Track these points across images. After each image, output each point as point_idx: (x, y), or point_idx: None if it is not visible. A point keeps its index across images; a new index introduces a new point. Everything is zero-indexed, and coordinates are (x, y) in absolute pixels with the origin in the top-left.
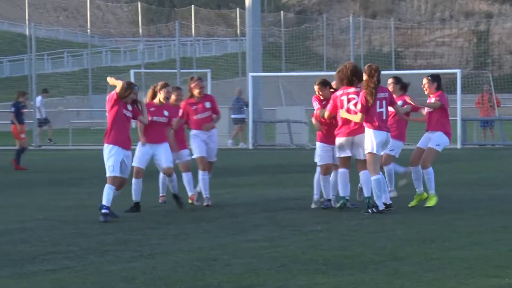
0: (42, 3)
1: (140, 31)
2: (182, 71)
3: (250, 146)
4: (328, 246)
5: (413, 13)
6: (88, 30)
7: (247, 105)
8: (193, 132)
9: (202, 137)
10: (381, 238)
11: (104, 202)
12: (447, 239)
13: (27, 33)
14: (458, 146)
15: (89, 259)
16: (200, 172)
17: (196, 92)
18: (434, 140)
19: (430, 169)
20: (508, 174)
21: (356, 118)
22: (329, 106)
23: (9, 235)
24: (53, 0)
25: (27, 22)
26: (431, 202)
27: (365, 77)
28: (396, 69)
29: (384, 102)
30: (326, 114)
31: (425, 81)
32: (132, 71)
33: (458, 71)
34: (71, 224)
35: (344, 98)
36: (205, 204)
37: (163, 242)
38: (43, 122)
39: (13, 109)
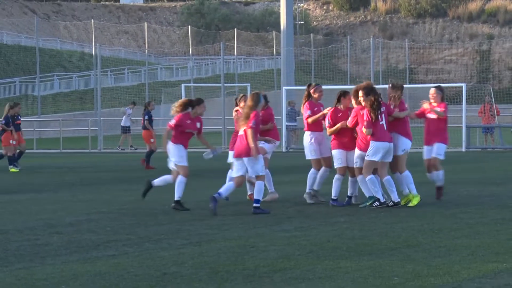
0: (107, 27)
1: (190, 50)
2: (226, 85)
3: (283, 149)
4: (350, 235)
5: (425, 35)
6: (146, 50)
7: (299, 114)
8: (315, 134)
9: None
10: (396, 228)
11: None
12: (453, 229)
13: (93, 52)
14: (463, 149)
15: (145, 246)
16: (323, 169)
17: (316, 95)
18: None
19: (406, 174)
20: (507, 173)
21: (365, 132)
22: (350, 119)
23: (77, 226)
24: (115, 24)
25: (93, 43)
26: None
27: (361, 97)
28: (410, 83)
29: (383, 115)
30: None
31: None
32: (183, 85)
33: (463, 85)
34: (130, 216)
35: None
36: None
37: (209, 231)
38: (126, 129)
39: (146, 117)
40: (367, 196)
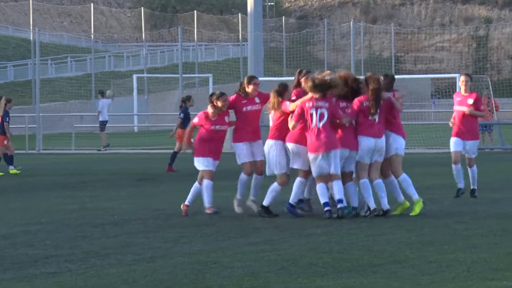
0: (47, 8)
1: (143, 36)
2: (184, 75)
3: None
4: (327, 249)
5: (413, 19)
6: (92, 35)
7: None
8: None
9: None
10: (380, 242)
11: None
12: (446, 242)
13: (31, 38)
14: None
15: (90, 262)
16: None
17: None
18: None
19: (403, 177)
20: (506, 178)
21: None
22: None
23: (12, 238)
24: (57, 5)
25: (31, 28)
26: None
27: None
28: (396, 73)
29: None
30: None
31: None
32: (134, 76)
33: (457, 75)
34: (74, 227)
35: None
36: None
37: (164, 245)
38: (104, 125)
39: (182, 115)
40: (353, 206)
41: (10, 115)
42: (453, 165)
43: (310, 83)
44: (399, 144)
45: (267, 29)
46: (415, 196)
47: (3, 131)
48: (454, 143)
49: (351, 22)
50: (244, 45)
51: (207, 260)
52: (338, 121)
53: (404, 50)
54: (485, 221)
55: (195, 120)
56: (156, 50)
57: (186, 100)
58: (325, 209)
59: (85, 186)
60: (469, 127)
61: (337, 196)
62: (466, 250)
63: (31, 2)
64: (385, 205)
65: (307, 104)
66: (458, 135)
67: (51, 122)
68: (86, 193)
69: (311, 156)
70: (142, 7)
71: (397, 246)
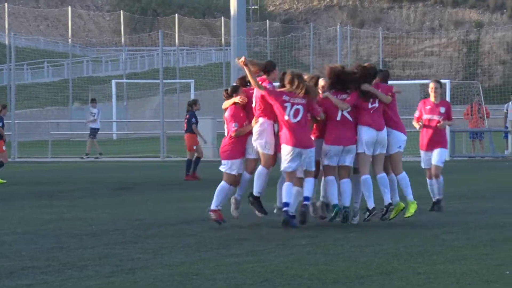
0: (22, 12)
1: (123, 40)
2: (165, 81)
3: None
4: (313, 261)
5: (401, 22)
6: (69, 40)
7: None
8: None
9: None
10: (368, 253)
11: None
12: (435, 253)
13: (6, 42)
14: (447, 158)
15: (67, 274)
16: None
17: None
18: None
19: (403, 175)
20: (498, 186)
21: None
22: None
23: None
24: (33, 9)
25: (6, 31)
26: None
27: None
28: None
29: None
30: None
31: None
32: (113, 81)
33: (447, 81)
34: (50, 238)
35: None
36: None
37: (144, 256)
38: (95, 133)
39: (194, 120)
40: (345, 205)
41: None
42: (428, 180)
43: (289, 77)
44: (400, 140)
45: (250, 33)
46: (410, 196)
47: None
48: (425, 161)
49: (338, 26)
50: (227, 49)
51: (188, 272)
52: (318, 118)
53: (392, 55)
54: (475, 231)
55: None
56: (135, 54)
57: (193, 104)
58: (283, 209)
59: (62, 195)
60: (439, 136)
61: (305, 193)
62: (456, 262)
63: (6, 5)
64: (388, 200)
65: (284, 96)
66: (427, 147)
67: (27, 129)
68: (63, 203)
69: (285, 147)
70: (121, 10)
71: (384, 257)
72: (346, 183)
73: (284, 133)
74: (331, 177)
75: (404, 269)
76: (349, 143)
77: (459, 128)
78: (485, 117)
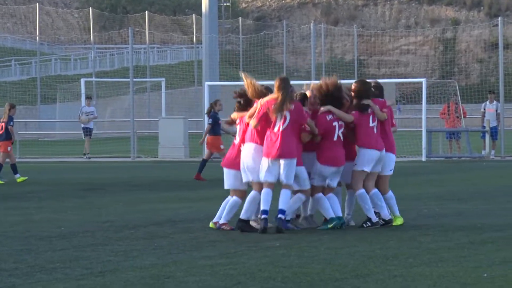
0: None
1: (92, 38)
2: (135, 80)
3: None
4: (287, 263)
5: (377, 20)
6: (37, 37)
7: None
8: None
9: None
10: (343, 255)
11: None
12: (411, 256)
13: None
14: (423, 158)
15: (36, 277)
16: None
17: None
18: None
19: (390, 194)
20: (475, 187)
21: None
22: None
23: None
24: (0, 6)
25: None
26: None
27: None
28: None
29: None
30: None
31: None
32: (82, 80)
33: (423, 80)
34: (18, 240)
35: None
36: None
37: (114, 259)
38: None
39: (210, 121)
40: (327, 218)
41: None
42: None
43: (277, 83)
44: (393, 163)
45: (222, 31)
46: (397, 213)
47: (9, 137)
48: None
49: (312, 24)
50: (198, 47)
51: (160, 275)
52: (305, 126)
53: (367, 53)
54: (452, 233)
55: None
56: (105, 52)
57: (214, 104)
58: (262, 217)
59: (30, 196)
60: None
61: (280, 206)
62: (433, 264)
63: None
64: (386, 215)
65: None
66: None
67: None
68: (31, 204)
69: (263, 160)
70: (90, 8)
71: (360, 259)
72: (332, 197)
73: (266, 141)
74: (319, 194)
75: (379, 271)
76: (342, 163)
77: (436, 128)
78: (462, 117)
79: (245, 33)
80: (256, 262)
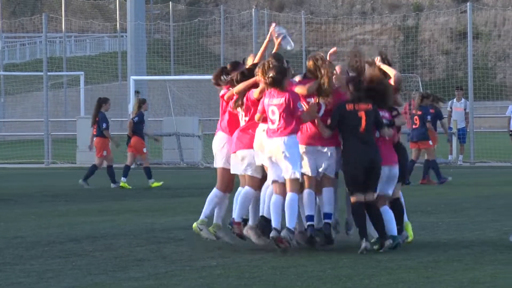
0: None
1: (0, 25)
2: (49, 73)
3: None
4: (225, 285)
5: (328, 6)
6: None
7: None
8: None
9: None
10: (289, 275)
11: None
12: (367, 276)
13: None
14: None
15: None
16: None
17: None
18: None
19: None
20: (440, 198)
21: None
22: None
23: None
24: None
25: None
26: None
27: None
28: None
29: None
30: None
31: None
32: None
33: None
34: None
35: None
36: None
37: (26, 280)
38: None
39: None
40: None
41: None
42: None
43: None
44: None
45: (150, 17)
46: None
47: (141, 134)
48: None
49: (253, 10)
50: (122, 36)
51: None
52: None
53: (317, 43)
54: (415, 251)
55: None
56: (15, 42)
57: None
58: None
59: None
60: None
61: (324, 209)
62: (392, 286)
63: None
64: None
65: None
66: None
67: None
68: None
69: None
70: None
71: (308, 280)
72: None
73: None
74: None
75: None
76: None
77: None
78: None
79: (177, 20)
80: (190, 285)
